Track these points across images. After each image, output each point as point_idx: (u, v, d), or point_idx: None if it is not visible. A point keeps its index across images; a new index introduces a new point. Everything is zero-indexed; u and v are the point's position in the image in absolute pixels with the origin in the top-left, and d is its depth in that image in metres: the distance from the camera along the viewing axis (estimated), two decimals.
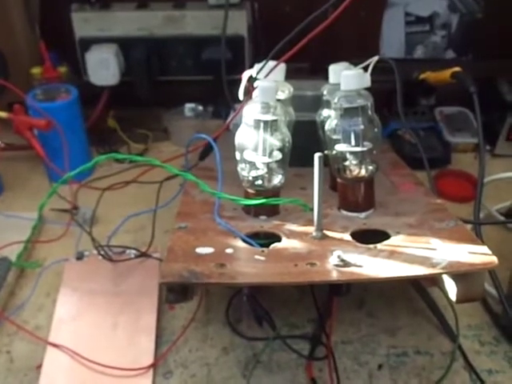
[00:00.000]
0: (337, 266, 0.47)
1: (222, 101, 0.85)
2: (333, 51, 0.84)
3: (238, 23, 0.89)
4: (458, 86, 0.74)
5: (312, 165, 0.50)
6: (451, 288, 0.48)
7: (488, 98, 0.77)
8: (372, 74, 0.58)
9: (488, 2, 0.97)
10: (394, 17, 0.98)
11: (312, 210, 0.52)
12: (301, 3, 0.92)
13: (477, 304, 0.63)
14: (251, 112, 0.56)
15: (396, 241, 0.51)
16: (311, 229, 0.53)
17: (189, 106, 0.95)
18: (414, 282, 0.62)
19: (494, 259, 0.46)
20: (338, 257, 0.47)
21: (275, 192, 0.58)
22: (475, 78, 0.71)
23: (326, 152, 0.60)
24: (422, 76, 0.84)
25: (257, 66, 0.63)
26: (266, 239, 0.53)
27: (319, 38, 0.58)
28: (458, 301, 0.48)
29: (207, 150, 0.70)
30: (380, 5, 0.98)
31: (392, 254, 0.49)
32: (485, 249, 0.48)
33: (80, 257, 0.69)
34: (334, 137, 0.58)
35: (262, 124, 0.56)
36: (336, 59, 0.67)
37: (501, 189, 0.78)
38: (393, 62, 0.67)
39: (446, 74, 0.76)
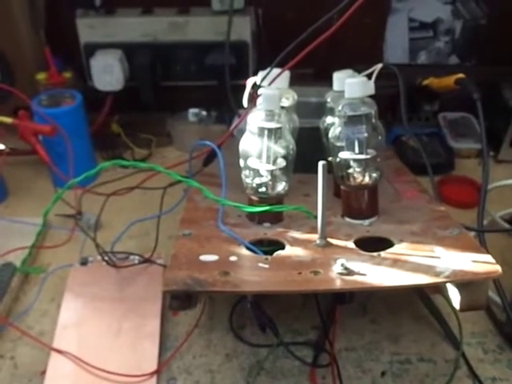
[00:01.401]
0: (340, 274, 0.47)
1: (226, 106, 0.86)
2: (337, 57, 0.84)
3: (242, 29, 0.90)
4: (461, 91, 0.74)
5: (315, 171, 0.50)
6: (455, 296, 0.48)
7: (492, 104, 0.77)
8: (375, 80, 0.59)
9: (491, 8, 0.97)
10: (397, 23, 0.99)
11: (316, 217, 0.52)
12: (304, 9, 0.93)
13: (481, 311, 0.62)
14: (255, 119, 0.56)
15: (399, 249, 0.51)
16: (315, 236, 0.53)
17: (192, 111, 0.95)
18: (418, 290, 0.62)
19: (498, 268, 0.46)
20: (342, 265, 0.47)
21: (279, 199, 0.58)
22: (479, 84, 0.71)
23: (329, 159, 0.60)
24: (426, 82, 0.84)
25: (261, 74, 0.63)
26: (269, 246, 0.53)
27: (323, 44, 0.59)
28: (462, 309, 0.48)
29: (211, 157, 0.70)
30: (384, 11, 0.98)
31: (395, 263, 0.49)
32: (489, 257, 0.48)
33: (84, 262, 0.69)
34: (338, 144, 0.58)
35: (266, 132, 0.56)
36: (340, 65, 0.67)
37: (505, 195, 0.78)
38: (396, 69, 0.67)
39: (449, 80, 0.76)
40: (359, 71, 0.63)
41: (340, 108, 0.58)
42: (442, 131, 0.95)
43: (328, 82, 0.68)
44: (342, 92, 0.59)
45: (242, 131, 0.59)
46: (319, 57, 0.70)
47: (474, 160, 0.93)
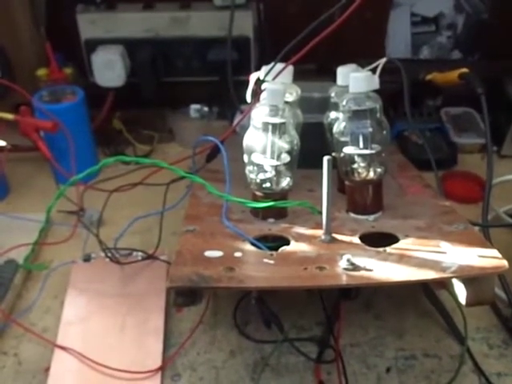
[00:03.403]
0: (346, 269, 0.46)
1: (228, 102, 0.85)
2: (339, 52, 0.84)
3: (244, 24, 0.89)
4: (463, 86, 0.74)
5: (320, 167, 0.50)
6: (461, 292, 0.48)
7: (495, 99, 0.76)
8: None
9: (494, 2, 0.97)
10: (399, 17, 0.98)
11: (320, 213, 0.52)
12: (306, 4, 0.92)
13: (485, 307, 0.62)
14: (259, 115, 0.56)
15: (405, 244, 0.51)
16: (320, 232, 0.53)
17: (194, 107, 0.95)
18: (423, 285, 0.62)
19: (505, 263, 0.46)
20: (348, 260, 0.47)
21: (283, 194, 0.58)
22: (481, 79, 0.70)
23: (333, 154, 0.59)
24: (429, 77, 0.84)
25: (264, 69, 0.63)
26: (274, 242, 0.53)
27: (326, 40, 0.58)
28: (468, 304, 0.48)
29: (214, 152, 0.70)
30: (386, 5, 0.97)
31: (401, 258, 0.48)
32: (495, 252, 0.48)
33: (87, 259, 0.69)
34: (342, 139, 0.58)
35: (270, 127, 0.56)
36: (342, 60, 0.67)
37: (508, 190, 0.77)
38: (400, 64, 0.67)
39: (453, 74, 0.75)
40: (362, 66, 0.63)
41: (344, 103, 0.57)
42: (445, 126, 0.95)
43: (330, 77, 0.67)
44: (346, 87, 0.59)
45: (245, 127, 0.59)
46: (321, 52, 0.69)
47: (477, 155, 0.92)
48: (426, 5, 0.97)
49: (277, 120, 0.56)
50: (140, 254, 0.68)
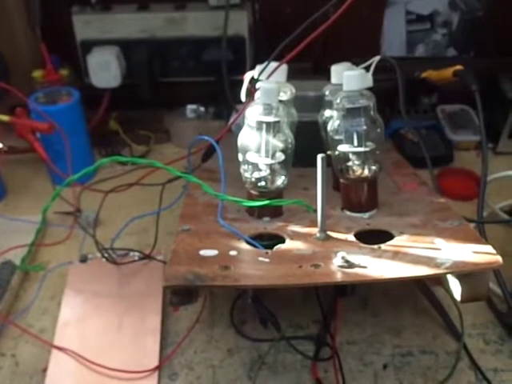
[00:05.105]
0: (341, 267, 0.47)
1: (224, 102, 0.85)
2: (334, 51, 0.84)
3: (239, 24, 0.89)
4: (459, 83, 0.74)
5: (314, 165, 0.50)
6: (456, 288, 0.48)
7: (490, 96, 0.77)
8: (373, 73, 0.58)
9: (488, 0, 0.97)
10: (394, 15, 0.98)
11: (315, 211, 0.52)
12: (301, 3, 0.92)
13: (481, 303, 0.62)
14: (253, 113, 0.56)
15: (400, 241, 0.51)
16: (315, 230, 0.53)
17: (190, 107, 0.95)
18: (418, 282, 0.62)
19: (499, 259, 0.46)
20: (343, 258, 0.47)
21: (278, 193, 0.58)
22: (477, 76, 0.70)
23: (328, 152, 0.60)
24: (424, 74, 0.84)
25: (258, 67, 0.63)
26: (269, 241, 0.53)
27: (320, 38, 0.59)
28: (463, 300, 0.48)
29: (209, 152, 0.70)
30: (381, 3, 0.97)
31: (396, 255, 0.49)
32: (489, 248, 0.48)
33: (84, 259, 0.69)
34: (337, 137, 0.58)
35: (264, 125, 0.56)
36: (337, 59, 0.67)
37: (504, 187, 0.77)
38: (395, 62, 0.67)
39: (448, 72, 0.75)
40: (357, 64, 0.63)
41: (338, 101, 0.57)
42: (441, 124, 0.95)
43: (325, 75, 0.67)
44: (340, 85, 0.59)
45: (240, 126, 0.59)
46: (316, 50, 0.69)
47: (473, 152, 0.93)
48: (420, 3, 0.97)
49: (271, 119, 0.56)
50: (137, 254, 0.68)
